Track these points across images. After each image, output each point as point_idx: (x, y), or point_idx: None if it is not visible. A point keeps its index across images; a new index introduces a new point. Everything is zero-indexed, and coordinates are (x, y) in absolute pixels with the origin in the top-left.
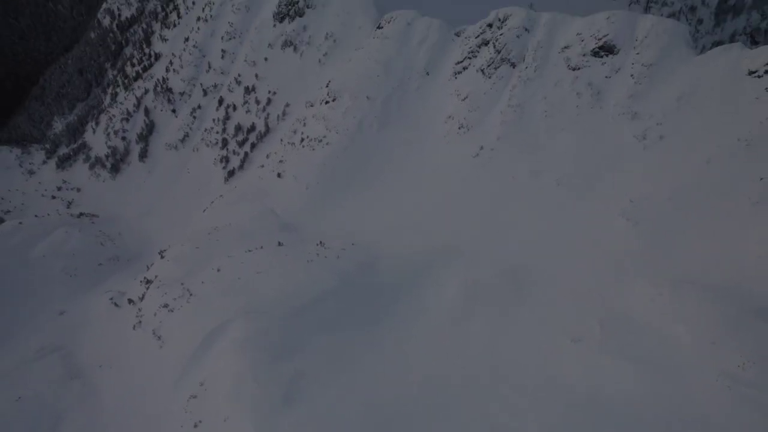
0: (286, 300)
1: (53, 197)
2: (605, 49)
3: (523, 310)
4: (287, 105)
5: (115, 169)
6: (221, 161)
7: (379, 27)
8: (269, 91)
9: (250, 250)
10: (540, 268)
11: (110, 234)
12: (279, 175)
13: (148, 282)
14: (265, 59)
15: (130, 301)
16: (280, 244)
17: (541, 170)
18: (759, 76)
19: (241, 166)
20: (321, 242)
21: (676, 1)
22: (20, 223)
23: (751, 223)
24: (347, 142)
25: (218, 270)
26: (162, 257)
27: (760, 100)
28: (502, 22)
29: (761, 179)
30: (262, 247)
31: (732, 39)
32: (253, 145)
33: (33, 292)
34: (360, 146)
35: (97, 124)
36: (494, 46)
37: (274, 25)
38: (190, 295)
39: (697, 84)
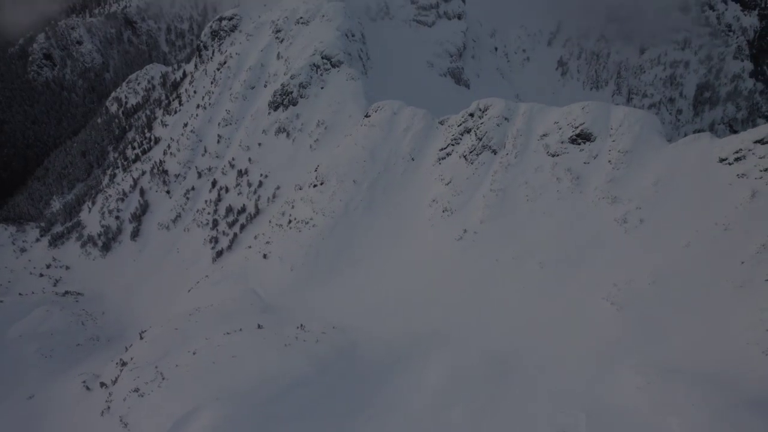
0: (260, 386)
1: (41, 275)
2: (582, 137)
3: (506, 400)
4: (278, 188)
5: (106, 247)
6: (210, 242)
7: (366, 116)
8: (261, 174)
9: (228, 333)
10: (524, 356)
11: (93, 313)
12: (265, 256)
13: (124, 364)
14: (259, 144)
15: (103, 384)
16: (259, 326)
17: (524, 253)
18: (730, 163)
19: (229, 247)
20: (301, 325)
21: (655, 93)
22: (1, 302)
23: (735, 308)
24: (333, 224)
25: (194, 353)
26: (141, 338)
27: (733, 186)
28: (483, 111)
29: (742, 263)
30: (241, 330)
31: (711, 128)
32: (242, 227)
33: (3, 376)
34: (345, 229)
35: (93, 203)
36: (476, 134)
37: (269, 113)
38: (163, 379)
39: (672, 170)
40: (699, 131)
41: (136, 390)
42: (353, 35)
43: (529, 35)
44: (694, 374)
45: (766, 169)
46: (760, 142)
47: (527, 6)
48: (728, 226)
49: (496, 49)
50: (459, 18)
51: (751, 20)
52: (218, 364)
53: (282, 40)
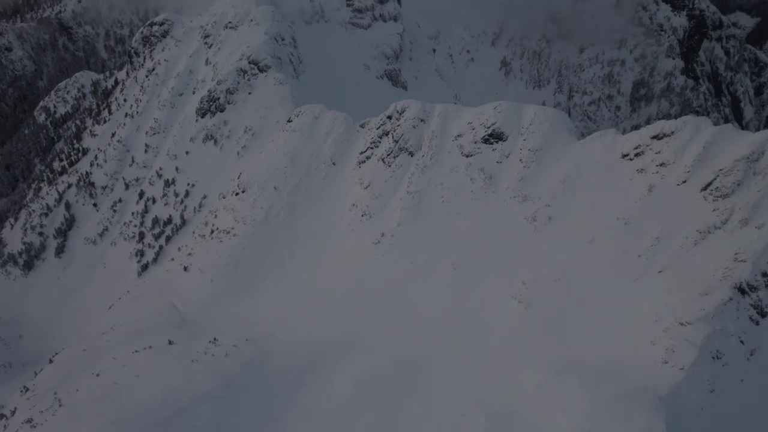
0: (161, 405)
1: None
2: (494, 136)
3: (414, 404)
4: (204, 197)
5: (28, 266)
6: (137, 255)
7: (289, 121)
8: (188, 184)
9: (137, 351)
10: (434, 359)
11: (8, 337)
12: (185, 269)
13: (27, 391)
14: (187, 153)
15: (2, 416)
16: (170, 342)
17: (438, 255)
18: (630, 159)
19: (155, 260)
20: (215, 339)
21: (595, 91)
22: None
23: (631, 301)
24: (253, 232)
25: (97, 375)
26: (51, 362)
27: (633, 181)
28: (400, 113)
29: (639, 256)
30: (150, 347)
31: (648, 123)
32: (168, 238)
33: None
34: (266, 237)
35: (15, 219)
36: (393, 137)
37: (197, 120)
38: (60, 405)
39: (580, 167)
40: (636, 127)
41: (29, 421)
42: (283, 39)
43: (473, 36)
44: (590, 369)
45: (661, 164)
46: (657, 137)
47: (471, 8)
48: (628, 220)
49: (434, 50)
50: (395, 20)
51: (680, 20)
52: (120, 385)
53: (210, 46)
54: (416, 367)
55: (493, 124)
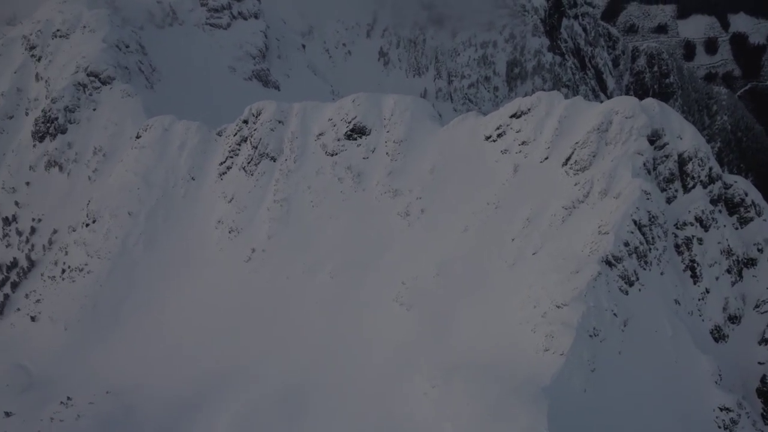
0: None
1: None
2: (357, 131)
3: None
4: (54, 232)
5: None
6: None
7: (137, 137)
8: (33, 219)
9: None
10: (321, 379)
11: None
12: (33, 319)
13: None
14: (27, 183)
15: None
16: (7, 415)
17: (314, 265)
18: (494, 141)
19: (0, 312)
20: (68, 398)
21: (472, 74)
22: None
23: (510, 289)
24: (111, 267)
25: None
26: None
27: (499, 162)
28: (257, 117)
29: (513, 240)
30: None
31: None
32: (14, 285)
33: None
34: (125, 270)
35: None
36: (251, 143)
37: (35, 145)
38: None
39: (446, 154)
40: None
41: None
42: (127, 46)
43: (347, 29)
44: (477, 368)
45: (523, 143)
46: (515, 116)
47: (342, 0)
48: (498, 204)
49: (303, 46)
50: (256, 17)
51: (540, 0)
52: None
53: (39, 58)
54: (301, 391)
55: (354, 119)
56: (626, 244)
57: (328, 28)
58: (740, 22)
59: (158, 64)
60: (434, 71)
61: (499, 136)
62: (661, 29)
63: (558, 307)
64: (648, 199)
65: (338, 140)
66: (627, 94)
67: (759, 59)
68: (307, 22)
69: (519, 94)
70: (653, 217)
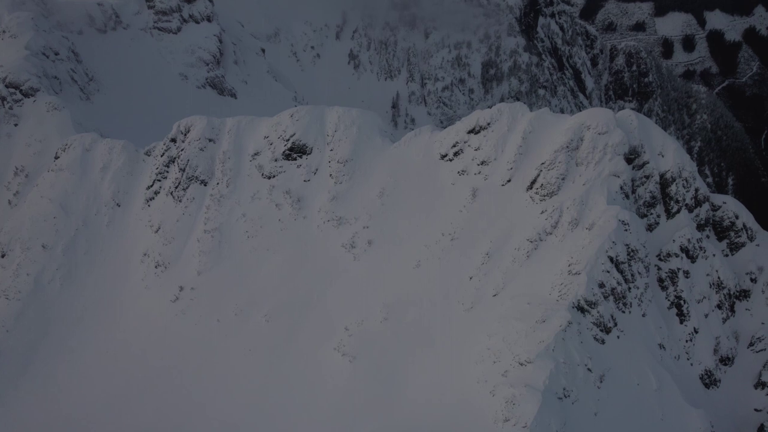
0: None
1: None
2: (297, 150)
3: None
4: None
5: None
6: None
7: (56, 158)
8: None
9: None
10: None
11: None
12: None
13: None
14: None
15: None
16: None
17: (248, 305)
18: (450, 160)
19: None
20: None
21: (446, 76)
22: None
23: (467, 336)
24: (21, 309)
25: None
26: None
27: (456, 185)
28: (185, 135)
29: (470, 278)
30: None
31: (502, 102)
32: None
33: None
34: (39, 312)
35: None
36: (178, 164)
37: None
38: None
39: (396, 176)
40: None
41: None
42: (57, 53)
43: (315, 31)
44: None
45: (483, 162)
46: (473, 131)
47: (310, 0)
48: (455, 235)
49: (263, 50)
50: (209, 20)
51: None
52: None
53: None
54: None
55: (292, 136)
56: (601, 286)
57: (296, 31)
58: (716, 20)
59: (97, 72)
60: (407, 74)
61: (455, 154)
62: (639, 27)
63: (521, 364)
64: (626, 230)
65: (275, 161)
66: (606, 94)
67: (735, 56)
68: (272, 24)
69: (495, 95)
70: (632, 251)
